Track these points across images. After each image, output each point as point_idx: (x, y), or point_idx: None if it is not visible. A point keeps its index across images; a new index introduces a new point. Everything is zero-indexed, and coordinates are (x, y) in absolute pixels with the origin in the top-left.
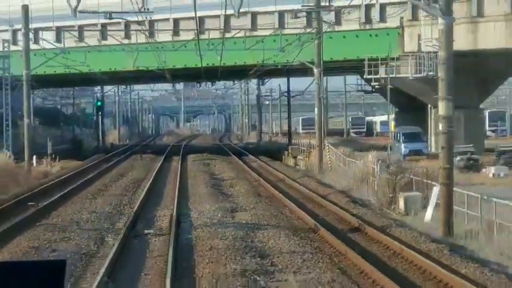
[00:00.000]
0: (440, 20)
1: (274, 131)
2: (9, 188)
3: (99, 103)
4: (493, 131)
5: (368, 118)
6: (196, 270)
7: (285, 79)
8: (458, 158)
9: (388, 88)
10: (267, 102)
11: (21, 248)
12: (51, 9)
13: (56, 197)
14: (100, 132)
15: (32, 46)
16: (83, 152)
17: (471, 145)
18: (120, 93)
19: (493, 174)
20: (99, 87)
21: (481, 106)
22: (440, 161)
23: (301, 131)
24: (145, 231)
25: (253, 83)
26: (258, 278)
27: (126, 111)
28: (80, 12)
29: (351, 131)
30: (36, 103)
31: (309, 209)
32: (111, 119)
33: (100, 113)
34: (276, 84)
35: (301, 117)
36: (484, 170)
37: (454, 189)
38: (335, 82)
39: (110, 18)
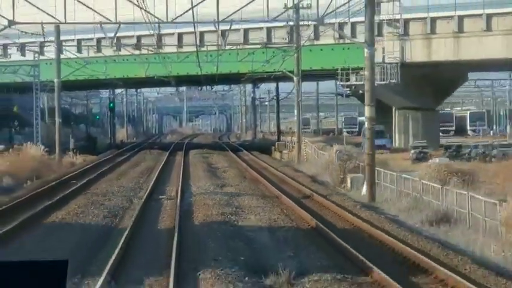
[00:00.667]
0: (365, 50)
1: (271, 130)
2: (49, 173)
3: (111, 105)
4: (473, 131)
5: (360, 118)
6: (194, 215)
7: (278, 83)
8: (412, 151)
9: (359, 92)
10: (266, 103)
11: (80, 204)
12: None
13: (89, 178)
14: (111, 131)
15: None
16: (97, 148)
17: (424, 141)
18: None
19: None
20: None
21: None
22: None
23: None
24: (160, 197)
25: (250, 86)
26: (231, 217)
27: (132, 111)
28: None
29: (344, 130)
30: (49, 104)
31: (278, 186)
32: (117, 119)
33: (111, 114)
34: (273, 86)
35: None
36: (430, 160)
37: (387, 171)
38: (328, 84)
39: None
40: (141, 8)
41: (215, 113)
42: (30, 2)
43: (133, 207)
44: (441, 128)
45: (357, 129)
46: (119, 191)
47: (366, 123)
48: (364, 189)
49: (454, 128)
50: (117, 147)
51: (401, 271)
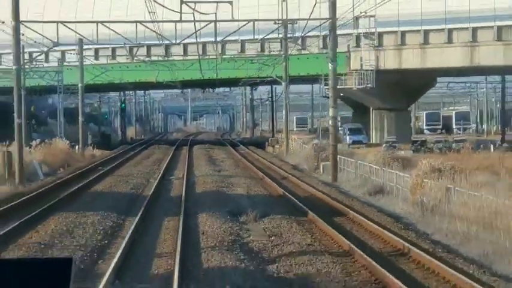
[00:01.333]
0: (329, 64)
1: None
2: (76, 163)
3: (123, 105)
4: (458, 129)
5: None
6: (196, 187)
7: (272, 86)
8: (384, 145)
9: (341, 95)
10: (267, 103)
11: (111, 181)
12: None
13: (112, 166)
14: (122, 129)
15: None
16: (111, 143)
17: (394, 137)
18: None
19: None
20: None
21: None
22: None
23: (295, 129)
24: (170, 177)
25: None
26: (223, 188)
27: (139, 110)
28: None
29: (340, 128)
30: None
31: (264, 171)
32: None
33: (123, 113)
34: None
35: (295, 117)
36: (398, 152)
37: (351, 159)
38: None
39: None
40: (155, 32)
41: (218, 113)
42: (70, 28)
43: (150, 184)
44: (429, 127)
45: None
46: (138, 174)
47: (330, 121)
48: (320, 169)
49: (441, 126)
50: (128, 143)
51: (328, 215)
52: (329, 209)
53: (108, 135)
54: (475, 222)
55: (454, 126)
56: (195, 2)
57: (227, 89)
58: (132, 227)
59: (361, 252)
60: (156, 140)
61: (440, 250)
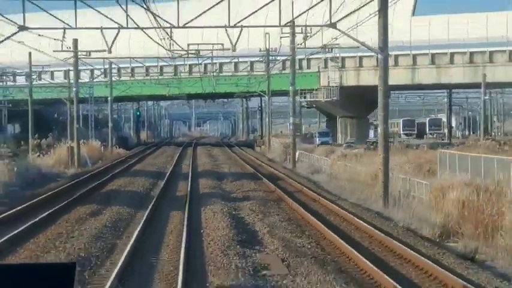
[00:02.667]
0: (291, 87)
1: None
2: (109, 157)
3: (138, 113)
4: (431, 133)
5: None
6: (198, 169)
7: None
8: (344, 145)
9: (313, 106)
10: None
11: (141, 166)
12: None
13: (137, 158)
14: (137, 132)
15: (102, 78)
16: (128, 145)
17: (353, 138)
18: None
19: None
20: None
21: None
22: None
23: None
24: (181, 164)
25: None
26: (216, 169)
27: (149, 117)
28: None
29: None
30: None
31: (247, 162)
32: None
33: (138, 120)
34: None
35: (288, 124)
36: (353, 150)
37: (308, 153)
38: None
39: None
40: (169, 58)
41: (220, 119)
42: (101, 57)
43: (168, 167)
44: (405, 131)
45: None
46: (158, 163)
47: (291, 126)
48: (295, 161)
49: (415, 131)
50: (143, 144)
51: (274, 180)
52: (276, 177)
53: (126, 138)
54: (346, 179)
55: (427, 131)
56: (198, 45)
57: (225, 100)
58: (162, 184)
59: (279, 190)
60: (166, 142)
61: (319, 190)
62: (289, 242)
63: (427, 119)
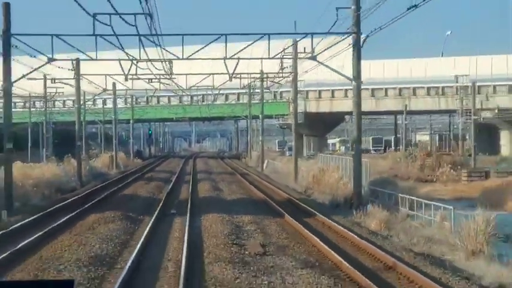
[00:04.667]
0: (260, 115)
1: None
2: (132, 164)
3: (150, 131)
4: (374, 150)
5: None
6: (197, 170)
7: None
8: (306, 156)
9: (285, 127)
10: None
11: (159, 169)
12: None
13: (154, 165)
14: (149, 147)
15: (121, 104)
16: (143, 157)
17: (313, 151)
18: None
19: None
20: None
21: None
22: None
23: (277, 149)
24: (186, 168)
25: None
26: (209, 170)
27: (156, 134)
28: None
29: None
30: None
31: (231, 166)
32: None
33: (149, 137)
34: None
35: (277, 140)
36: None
37: (275, 161)
38: None
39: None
40: (175, 90)
41: (218, 136)
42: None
43: (180, 166)
44: (374, 147)
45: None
46: (169, 168)
47: (261, 142)
48: (264, 166)
49: (383, 147)
50: (153, 156)
51: (243, 175)
52: (245, 173)
53: (141, 151)
54: (285, 173)
55: (371, 147)
56: (197, 88)
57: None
58: (174, 178)
59: (242, 178)
60: (171, 155)
61: (264, 177)
62: (234, 190)
63: (371, 137)
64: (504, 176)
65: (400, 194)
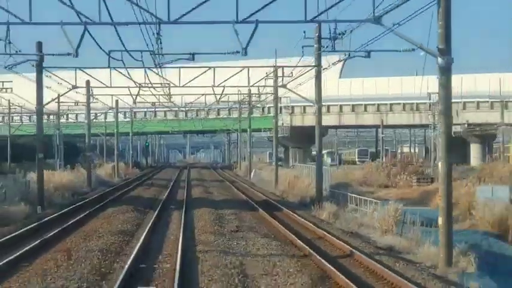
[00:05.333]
0: (248, 129)
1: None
2: (131, 173)
3: (147, 144)
4: (361, 161)
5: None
6: (191, 176)
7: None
8: (291, 166)
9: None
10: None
11: (159, 176)
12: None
13: (152, 174)
14: (146, 158)
15: (121, 118)
16: (141, 167)
17: (297, 163)
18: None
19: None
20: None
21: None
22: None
23: (268, 160)
24: (185, 171)
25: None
26: (201, 174)
27: (150, 146)
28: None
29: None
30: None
31: (221, 175)
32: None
33: (146, 149)
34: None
35: (268, 152)
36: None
37: (261, 171)
38: None
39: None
40: (171, 106)
41: (211, 148)
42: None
43: (176, 175)
44: (360, 159)
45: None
46: (167, 175)
47: (249, 153)
48: (253, 176)
49: (368, 158)
50: (150, 167)
51: (231, 181)
52: (233, 181)
53: (138, 162)
54: (268, 180)
55: (357, 159)
56: (191, 104)
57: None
58: (171, 184)
59: (230, 184)
60: (167, 166)
61: (249, 185)
62: (221, 193)
63: (357, 149)
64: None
65: (349, 194)
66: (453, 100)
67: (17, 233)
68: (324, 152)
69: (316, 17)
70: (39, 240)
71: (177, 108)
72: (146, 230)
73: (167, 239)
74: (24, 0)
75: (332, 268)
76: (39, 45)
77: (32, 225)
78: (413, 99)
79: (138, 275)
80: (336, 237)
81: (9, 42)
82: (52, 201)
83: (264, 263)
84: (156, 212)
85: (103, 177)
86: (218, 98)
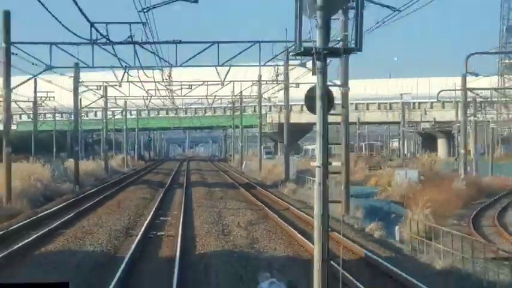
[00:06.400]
0: (240, 126)
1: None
2: (137, 165)
3: (149, 139)
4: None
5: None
6: (190, 166)
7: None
8: (278, 157)
9: (268, 136)
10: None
11: (163, 167)
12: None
13: (157, 164)
14: (148, 152)
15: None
16: (145, 159)
17: None
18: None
19: None
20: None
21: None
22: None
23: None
24: (181, 168)
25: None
26: (199, 165)
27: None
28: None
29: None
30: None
31: (217, 166)
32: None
33: (149, 144)
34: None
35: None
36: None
37: (251, 162)
38: None
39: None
40: (172, 106)
41: (210, 142)
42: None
43: (177, 166)
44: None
45: (303, 154)
46: (170, 166)
47: (241, 147)
48: (244, 167)
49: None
50: (153, 159)
51: (225, 171)
52: (226, 170)
53: (143, 155)
54: (256, 170)
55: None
56: (190, 100)
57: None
58: (175, 169)
59: (223, 173)
60: (168, 159)
61: (240, 173)
62: (214, 179)
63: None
64: (392, 167)
65: (307, 177)
66: (422, 100)
67: (78, 197)
68: (313, 146)
69: (268, 61)
70: (96, 199)
71: (177, 107)
72: (160, 197)
73: (174, 202)
74: None
75: (271, 212)
76: (6, 15)
77: (83, 195)
78: (387, 100)
79: (160, 215)
80: (285, 201)
81: None
82: (83, 184)
83: (233, 211)
84: (165, 188)
85: (115, 167)
86: (223, 79)
